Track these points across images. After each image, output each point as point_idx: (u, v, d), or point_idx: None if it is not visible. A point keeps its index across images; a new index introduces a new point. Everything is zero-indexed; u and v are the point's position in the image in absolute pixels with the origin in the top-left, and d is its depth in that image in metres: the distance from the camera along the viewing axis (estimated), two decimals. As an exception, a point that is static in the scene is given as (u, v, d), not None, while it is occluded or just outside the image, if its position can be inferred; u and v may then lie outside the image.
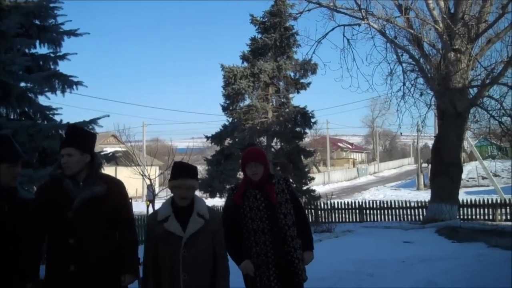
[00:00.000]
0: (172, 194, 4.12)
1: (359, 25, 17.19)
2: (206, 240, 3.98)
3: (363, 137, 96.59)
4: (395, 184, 46.77)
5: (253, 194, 4.56)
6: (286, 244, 4.48)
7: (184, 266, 3.83)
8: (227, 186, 18.69)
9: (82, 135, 4.07)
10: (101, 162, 4.26)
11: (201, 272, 3.92)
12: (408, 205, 19.59)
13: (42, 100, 9.93)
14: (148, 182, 13.48)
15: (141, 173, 13.75)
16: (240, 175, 19.61)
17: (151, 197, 27.56)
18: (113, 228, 4.01)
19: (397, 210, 19.53)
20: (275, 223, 4.48)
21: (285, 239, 4.48)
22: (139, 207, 28.58)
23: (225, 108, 21.62)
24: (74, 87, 10.12)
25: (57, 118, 9.81)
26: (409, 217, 19.22)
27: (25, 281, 3.68)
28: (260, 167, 4.54)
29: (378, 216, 19.72)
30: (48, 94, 9.97)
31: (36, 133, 8.62)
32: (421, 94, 17.97)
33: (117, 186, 4.10)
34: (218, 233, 4.11)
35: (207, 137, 21.45)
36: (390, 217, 19.52)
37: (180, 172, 4.03)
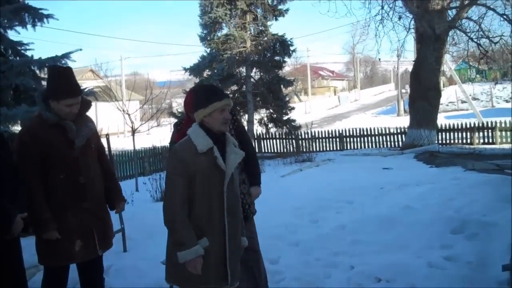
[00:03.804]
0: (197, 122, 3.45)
1: None
2: (237, 174, 3.56)
3: (344, 64, 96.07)
4: (375, 111, 46.98)
5: None
6: None
7: (227, 205, 3.35)
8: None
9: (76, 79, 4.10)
10: (90, 101, 4.21)
11: (239, 212, 3.53)
12: (387, 131, 19.81)
13: (12, 35, 9.62)
14: (127, 117, 13.20)
15: (121, 108, 13.47)
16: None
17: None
18: (99, 160, 4.22)
19: (377, 137, 19.77)
20: None
21: None
22: (121, 143, 28.50)
23: (202, 38, 21.23)
24: (45, 20, 9.79)
25: (28, 53, 9.53)
26: (388, 143, 19.51)
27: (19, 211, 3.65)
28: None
29: (358, 143, 19.98)
30: (18, 28, 9.67)
31: (8, 70, 8.41)
32: (400, 18, 17.84)
33: (93, 121, 4.26)
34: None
35: (185, 69, 21.15)
36: (370, 144, 19.79)
37: (221, 93, 3.48)
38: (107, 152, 4.85)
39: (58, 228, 3.84)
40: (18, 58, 9.16)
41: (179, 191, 3.26)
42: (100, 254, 4.05)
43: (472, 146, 17.57)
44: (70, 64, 9.41)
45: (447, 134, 18.61)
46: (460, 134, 18.53)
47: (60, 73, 3.97)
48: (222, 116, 3.39)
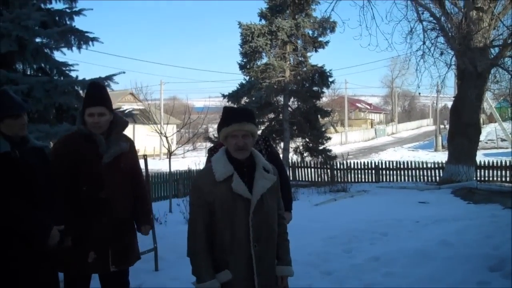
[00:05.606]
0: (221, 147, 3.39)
1: (379, -19, 16.86)
2: (272, 200, 3.32)
3: (382, 98, 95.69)
4: (412, 145, 46.47)
5: None
6: None
7: (254, 234, 3.15)
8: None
9: (107, 93, 4.19)
10: (127, 121, 4.33)
11: (271, 240, 3.29)
12: (424, 166, 19.59)
13: (58, 56, 9.89)
14: (164, 140, 13.41)
15: (158, 131, 13.70)
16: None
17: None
18: (131, 181, 4.21)
19: (414, 171, 19.55)
20: None
21: None
22: (156, 165, 28.94)
23: (242, 67, 21.49)
24: (90, 43, 10.04)
25: (73, 74, 9.79)
26: (425, 178, 19.24)
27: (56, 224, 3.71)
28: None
29: (394, 176, 19.77)
30: (64, 50, 9.90)
31: (52, 89, 8.62)
32: (441, 54, 17.67)
33: (133, 143, 4.33)
34: (279, 189, 3.44)
35: (223, 96, 21.42)
36: (406, 177, 19.56)
37: (233, 117, 3.23)
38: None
39: (75, 237, 3.85)
40: (62, 78, 9.38)
41: (199, 223, 3.16)
42: (113, 270, 4.00)
43: (511, 185, 17.17)
44: (113, 85, 9.65)
45: (486, 171, 18.25)
46: (499, 171, 18.16)
47: (89, 85, 4.16)
48: (234, 142, 3.21)
